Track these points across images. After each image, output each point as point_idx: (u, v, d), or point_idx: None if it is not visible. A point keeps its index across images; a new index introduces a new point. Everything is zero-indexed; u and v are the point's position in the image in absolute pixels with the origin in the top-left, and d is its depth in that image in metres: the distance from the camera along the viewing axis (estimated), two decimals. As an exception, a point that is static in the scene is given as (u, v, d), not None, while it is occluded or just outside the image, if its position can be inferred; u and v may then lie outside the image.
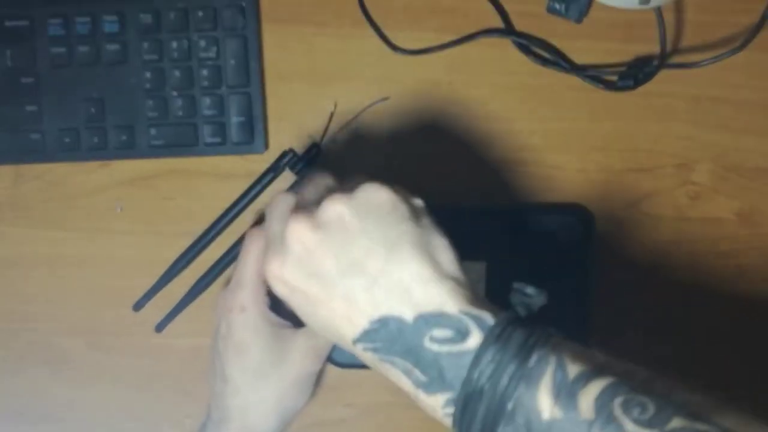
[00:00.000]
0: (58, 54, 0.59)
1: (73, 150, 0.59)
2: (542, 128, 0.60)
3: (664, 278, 0.60)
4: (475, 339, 0.40)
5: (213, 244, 0.60)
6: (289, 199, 0.47)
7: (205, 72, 0.59)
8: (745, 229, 0.60)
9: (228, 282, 0.55)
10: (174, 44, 0.59)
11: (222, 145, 0.59)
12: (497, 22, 0.60)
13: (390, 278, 0.42)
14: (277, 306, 0.55)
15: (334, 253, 0.43)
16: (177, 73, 0.59)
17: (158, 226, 0.61)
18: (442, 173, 0.60)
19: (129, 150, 0.59)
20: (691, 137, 0.60)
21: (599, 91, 0.59)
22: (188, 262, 0.60)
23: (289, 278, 0.44)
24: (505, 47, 0.60)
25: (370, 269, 0.42)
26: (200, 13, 0.58)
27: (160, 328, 0.61)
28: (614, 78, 0.59)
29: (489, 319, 0.41)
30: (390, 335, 0.42)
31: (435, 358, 0.41)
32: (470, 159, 0.60)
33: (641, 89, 0.59)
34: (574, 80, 0.60)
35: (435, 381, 0.41)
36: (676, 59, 0.60)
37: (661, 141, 0.60)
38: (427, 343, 0.41)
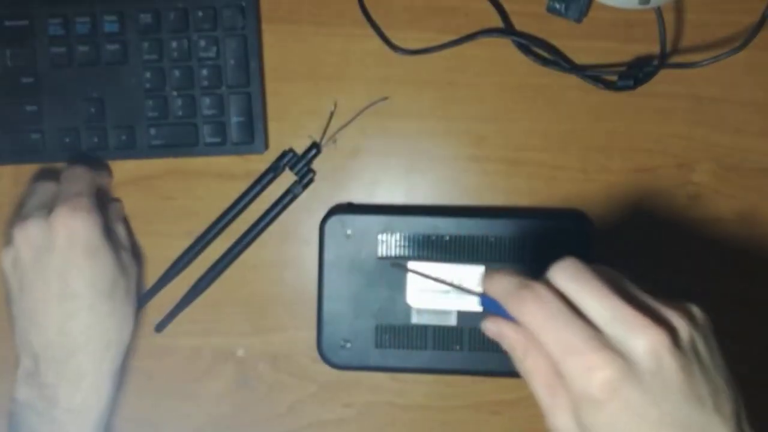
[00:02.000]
0: (58, 54, 0.59)
1: (73, 150, 0.59)
2: (542, 128, 0.60)
3: (664, 278, 0.60)
4: None
5: (213, 244, 0.60)
6: None
7: (205, 72, 0.59)
8: (745, 229, 0.60)
9: (20, 211, 0.55)
10: (174, 44, 0.59)
11: (222, 145, 0.59)
12: (497, 22, 0.60)
13: None
14: None
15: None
16: (177, 73, 0.59)
17: (158, 226, 0.61)
18: (441, 173, 0.60)
19: (129, 150, 0.59)
20: (691, 137, 0.60)
21: (599, 91, 0.59)
22: (188, 262, 0.60)
23: None
24: (505, 47, 0.60)
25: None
26: (200, 13, 0.58)
27: (160, 328, 0.61)
28: (614, 78, 0.59)
29: None
30: None
31: None
32: (470, 159, 0.60)
33: (641, 89, 0.59)
34: (574, 80, 0.59)
35: None
36: (676, 59, 0.60)
37: (661, 141, 0.60)
38: None
